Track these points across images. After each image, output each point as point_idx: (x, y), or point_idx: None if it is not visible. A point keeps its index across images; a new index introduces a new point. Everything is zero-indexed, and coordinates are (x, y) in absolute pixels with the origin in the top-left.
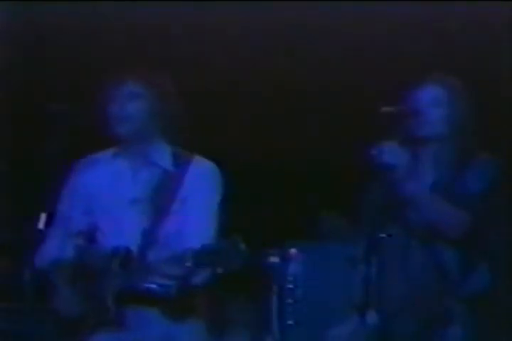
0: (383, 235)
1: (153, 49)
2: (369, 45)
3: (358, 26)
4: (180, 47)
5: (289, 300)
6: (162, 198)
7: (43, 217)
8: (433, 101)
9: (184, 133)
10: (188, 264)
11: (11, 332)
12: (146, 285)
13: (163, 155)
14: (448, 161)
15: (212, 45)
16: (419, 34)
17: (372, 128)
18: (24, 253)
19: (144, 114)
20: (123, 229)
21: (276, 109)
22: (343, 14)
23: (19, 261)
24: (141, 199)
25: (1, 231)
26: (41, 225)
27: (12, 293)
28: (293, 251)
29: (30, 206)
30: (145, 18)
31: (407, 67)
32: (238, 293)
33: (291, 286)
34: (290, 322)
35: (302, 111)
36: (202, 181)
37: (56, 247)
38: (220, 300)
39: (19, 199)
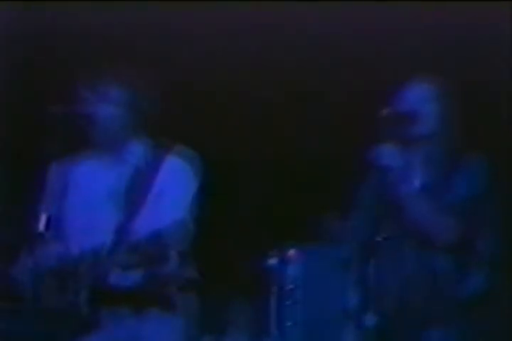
0: (381, 238)
1: (153, 49)
2: (367, 46)
3: (356, 28)
4: (180, 47)
5: (288, 302)
6: (135, 195)
7: (43, 218)
8: (424, 100)
9: (162, 132)
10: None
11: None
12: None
13: (137, 150)
14: (439, 163)
15: (210, 45)
16: (417, 34)
17: (370, 130)
18: (23, 254)
19: (117, 118)
20: (97, 226)
21: (275, 110)
22: (342, 15)
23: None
24: (113, 196)
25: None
26: (41, 227)
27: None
28: (292, 252)
29: (29, 206)
30: (145, 18)
31: (406, 68)
32: (237, 294)
33: (290, 287)
34: (289, 323)
35: (301, 113)
36: (175, 174)
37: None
38: (203, 300)
39: (19, 199)
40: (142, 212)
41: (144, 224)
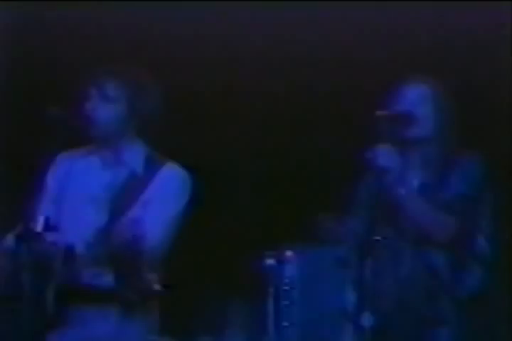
0: (378, 238)
1: (154, 50)
2: (366, 46)
3: (356, 28)
4: (181, 48)
5: (285, 302)
6: (125, 199)
7: (42, 218)
8: (421, 100)
9: (162, 133)
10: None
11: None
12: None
13: (136, 155)
14: (435, 163)
15: (209, 45)
16: (417, 34)
17: (367, 131)
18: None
19: (118, 117)
20: (79, 225)
21: (273, 110)
22: (341, 15)
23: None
24: (102, 197)
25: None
26: (39, 228)
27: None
28: (289, 253)
29: (28, 207)
30: (145, 18)
31: (405, 68)
32: (234, 295)
33: (287, 288)
34: (286, 323)
35: (299, 113)
36: (167, 187)
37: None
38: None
39: (18, 200)
40: (127, 215)
41: (126, 228)
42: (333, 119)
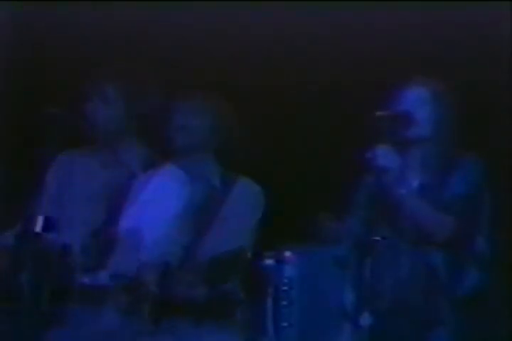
0: (377, 238)
1: (154, 50)
2: (366, 46)
3: (356, 28)
4: (181, 48)
5: (284, 302)
6: (204, 215)
7: (40, 219)
8: (421, 101)
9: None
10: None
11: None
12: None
13: (136, 156)
14: (435, 163)
15: (209, 45)
16: (417, 34)
17: (367, 131)
18: (23, 255)
19: (117, 118)
20: (78, 225)
21: (270, 109)
22: (341, 15)
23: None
24: (101, 197)
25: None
26: (38, 228)
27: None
28: (288, 253)
29: (28, 207)
30: (145, 18)
31: (405, 68)
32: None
33: (286, 288)
34: (285, 324)
35: (298, 113)
36: (245, 203)
37: None
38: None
39: (18, 200)
40: (206, 234)
41: (208, 247)
42: (333, 119)
